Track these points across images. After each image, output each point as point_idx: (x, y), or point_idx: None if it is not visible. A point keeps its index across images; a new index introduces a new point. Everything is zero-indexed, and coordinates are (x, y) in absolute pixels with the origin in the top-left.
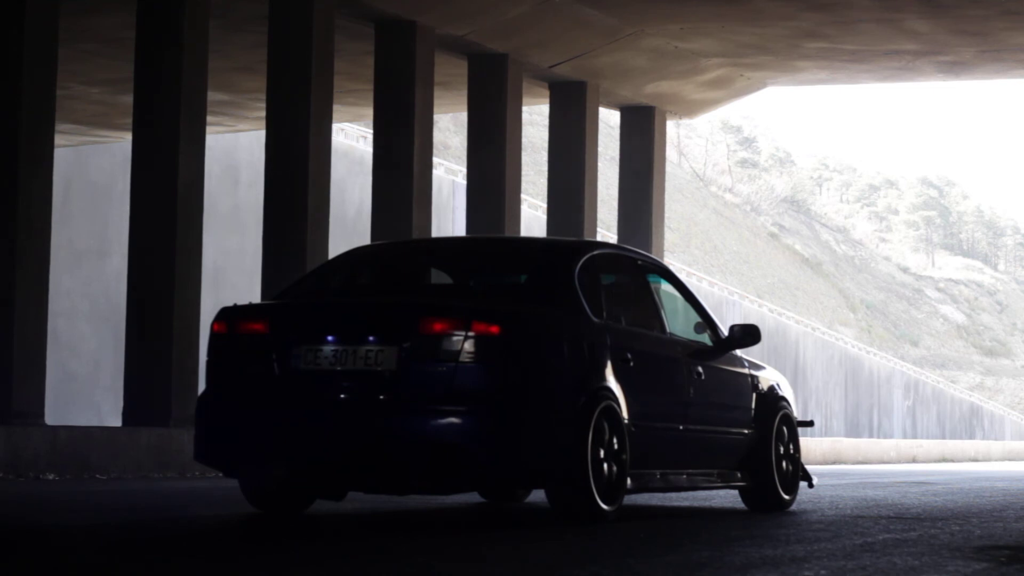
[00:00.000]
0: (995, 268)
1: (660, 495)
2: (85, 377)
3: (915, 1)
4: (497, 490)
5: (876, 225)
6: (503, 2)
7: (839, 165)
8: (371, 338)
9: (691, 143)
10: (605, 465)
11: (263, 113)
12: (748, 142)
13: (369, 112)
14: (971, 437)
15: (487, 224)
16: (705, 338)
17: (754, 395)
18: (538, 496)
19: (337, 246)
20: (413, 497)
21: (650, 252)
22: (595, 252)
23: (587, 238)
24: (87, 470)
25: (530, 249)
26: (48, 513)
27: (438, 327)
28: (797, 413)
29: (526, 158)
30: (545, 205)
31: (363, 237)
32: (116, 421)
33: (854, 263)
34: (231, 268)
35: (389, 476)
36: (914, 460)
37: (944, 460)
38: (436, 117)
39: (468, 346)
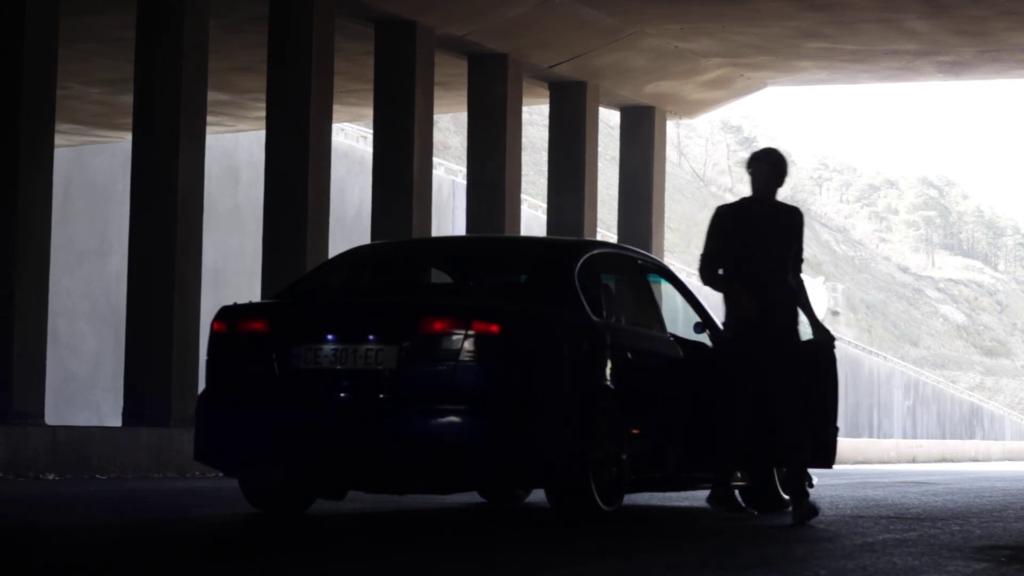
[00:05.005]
0: (995, 268)
1: (660, 495)
2: (85, 377)
3: (915, 1)
4: (497, 490)
5: (876, 225)
6: (503, 2)
7: (839, 165)
8: (371, 337)
9: (691, 143)
10: (605, 465)
11: (263, 113)
12: (748, 142)
13: (369, 112)
14: (971, 437)
15: (487, 224)
16: (705, 338)
17: None
18: (538, 496)
19: (337, 246)
20: (413, 497)
21: (650, 252)
22: (595, 252)
23: (587, 238)
24: (87, 470)
25: (530, 249)
26: (48, 513)
27: (438, 326)
28: None
29: (526, 158)
30: (545, 205)
31: (363, 237)
32: (116, 421)
33: (854, 263)
34: (231, 268)
35: (389, 476)
36: (914, 460)
37: (944, 460)
38: (436, 117)
39: (468, 345)
